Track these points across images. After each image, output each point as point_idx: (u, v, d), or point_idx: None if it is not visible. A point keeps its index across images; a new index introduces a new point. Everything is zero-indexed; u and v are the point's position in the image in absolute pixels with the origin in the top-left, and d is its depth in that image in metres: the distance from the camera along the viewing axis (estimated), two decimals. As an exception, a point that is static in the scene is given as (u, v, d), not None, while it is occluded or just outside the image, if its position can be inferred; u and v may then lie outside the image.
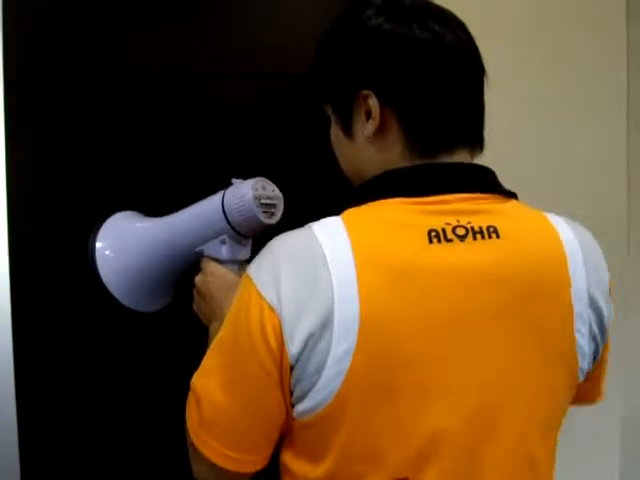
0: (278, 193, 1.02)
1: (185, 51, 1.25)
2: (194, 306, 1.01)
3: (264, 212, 0.98)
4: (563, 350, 0.78)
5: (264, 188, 1.00)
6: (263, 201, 0.98)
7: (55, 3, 1.19)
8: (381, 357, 0.71)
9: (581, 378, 0.81)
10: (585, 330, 0.78)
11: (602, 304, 0.80)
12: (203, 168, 1.27)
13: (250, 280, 0.75)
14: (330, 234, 0.74)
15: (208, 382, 0.76)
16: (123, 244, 1.07)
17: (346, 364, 0.70)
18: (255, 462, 0.78)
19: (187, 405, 0.79)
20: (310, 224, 0.77)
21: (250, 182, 0.99)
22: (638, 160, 1.41)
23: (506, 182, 0.83)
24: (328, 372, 0.71)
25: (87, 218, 1.12)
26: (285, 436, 0.79)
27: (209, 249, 1.01)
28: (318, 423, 0.73)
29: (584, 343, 0.78)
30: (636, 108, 1.40)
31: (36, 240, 1.22)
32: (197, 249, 1.01)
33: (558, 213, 0.84)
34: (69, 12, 1.20)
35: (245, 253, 1.02)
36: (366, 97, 0.80)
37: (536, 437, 0.79)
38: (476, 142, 0.83)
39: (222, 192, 1.00)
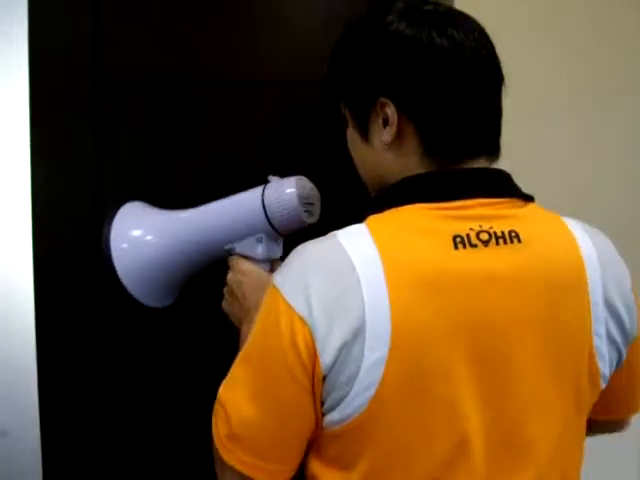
0: (317, 191, 1.00)
1: (205, 57, 1.26)
2: (224, 305, 1.01)
3: (306, 211, 0.97)
4: (583, 351, 0.79)
5: (304, 186, 0.98)
6: (305, 200, 0.97)
7: (81, 7, 1.20)
8: (412, 364, 0.72)
9: (602, 384, 0.81)
10: (603, 333, 0.79)
11: (622, 309, 0.81)
12: (227, 173, 1.27)
13: (277, 291, 0.75)
14: (356, 242, 0.74)
15: (236, 394, 0.76)
16: (142, 234, 1.04)
17: (379, 373, 0.71)
18: (285, 472, 0.78)
19: (214, 416, 0.78)
20: (334, 232, 0.78)
21: (292, 180, 0.97)
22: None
23: (525, 187, 0.83)
24: (361, 382, 0.71)
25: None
26: (313, 445, 0.79)
27: (242, 247, 0.98)
28: (350, 432, 0.74)
29: (602, 346, 0.79)
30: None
31: (60, 247, 1.22)
32: (227, 247, 0.99)
33: (576, 217, 0.85)
34: (94, 15, 1.20)
35: (278, 251, 1.00)
36: (384, 105, 0.80)
37: (561, 436, 0.80)
38: (494, 150, 0.83)
39: (260, 189, 0.98)
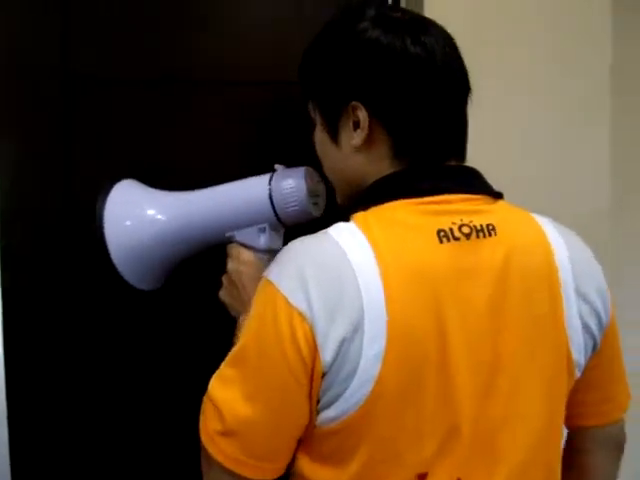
0: (323, 184, 0.98)
1: (183, 56, 1.23)
2: (221, 294, 0.99)
3: (314, 204, 0.95)
4: (559, 340, 0.81)
5: (312, 178, 0.96)
6: (312, 193, 0.94)
7: (51, 4, 1.15)
8: (408, 359, 0.72)
9: (578, 372, 0.83)
10: (575, 319, 0.81)
11: (595, 297, 0.83)
12: (201, 175, 1.21)
13: (274, 287, 0.74)
14: (349, 238, 0.75)
15: (230, 392, 0.75)
16: (144, 211, 0.99)
17: (376, 369, 0.71)
18: (275, 470, 0.77)
19: (202, 414, 0.77)
20: (325, 230, 0.78)
21: (301, 170, 0.94)
22: (621, 159, 1.44)
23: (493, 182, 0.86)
24: (359, 377, 0.71)
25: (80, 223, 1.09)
26: (302, 443, 0.78)
27: (243, 236, 0.96)
28: (344, 429, 0.74)
29: (576, 334, 0.82)
30: (620, 104, 1.42)
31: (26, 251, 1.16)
32: (228, 234, 0.96)
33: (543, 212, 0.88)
34: (64, 14, 1.16)
35: (279, 243, 0.98)
36: (355, 108, 0.81)
37: (543, 426, 0.82)
38: (461, 154, 0.85)
39: (267, 178, 0.95)
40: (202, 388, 0.79)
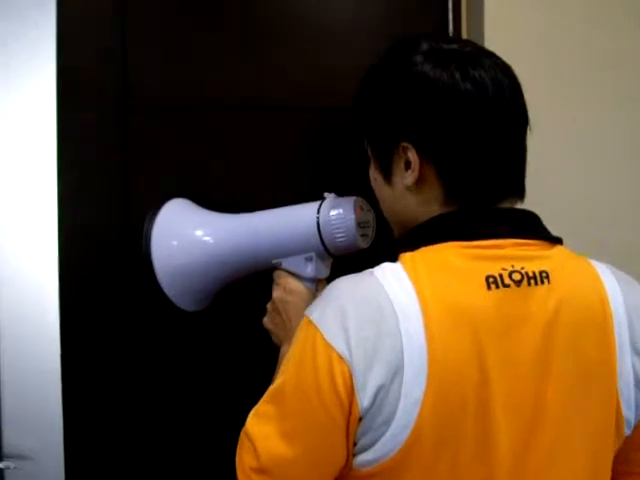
0: (373, 214, 0.96)
1: (233, 81, 1.24)
2: (266, 322, 0.98)
3: (362, 235, 0.93)
4: (609, 396, 0.77)
5: (362, 209, 0.94)
6: (361, 224, 0.93)
7: (109, 36, 1.19)
8: (446, 405, 0.70)
9: (627, 431, 0.79)
10: (629, 376, 0.77)
11: None
12: (252, 201, 1.22)
13: (314, 327, 0.73)
14: (393, 280, 0.73)
15: (267, 429, 0.74)
16: (194, 234, 0.99)
17: (414, 414, 0.69)
18: None
19: (239, 448, 0.77)
20: (370, 270, 0.76)
21: (350, 202, 0.92)
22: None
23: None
24: (397, 423, 0.70)
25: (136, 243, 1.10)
26: None
27: (290, 264, 0.95)
28: (380, 473, 0.72)
29: (627, 389, 0.77)
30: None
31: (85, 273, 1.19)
32: (274, 261, 0.95)
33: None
34: (123, 38, 1.20)
35: (326, 272, 0.97)
36: (406, 149, 0.79)
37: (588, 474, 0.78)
38: (518, 192, 0.82)
39: (315, 207, 0.94)
40: (242, 412, 0.78)
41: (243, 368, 1.20)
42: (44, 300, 1.17)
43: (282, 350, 0.93)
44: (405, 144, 0.79)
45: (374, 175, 0.87)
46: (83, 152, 1.18)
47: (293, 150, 1.25)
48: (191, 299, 1.04)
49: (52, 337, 1.16)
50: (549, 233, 0.81)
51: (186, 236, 1.00)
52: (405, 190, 0.81)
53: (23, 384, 1.16)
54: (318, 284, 0.96)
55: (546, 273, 0.75)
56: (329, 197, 0.94)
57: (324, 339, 0.71)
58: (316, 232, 0.92)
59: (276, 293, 0.97)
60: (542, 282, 0.75)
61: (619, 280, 0.80)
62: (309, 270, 0.94)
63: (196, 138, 1.23)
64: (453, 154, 0.77)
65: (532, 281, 0.74)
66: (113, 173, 1.19)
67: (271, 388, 0.76)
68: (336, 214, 0.92)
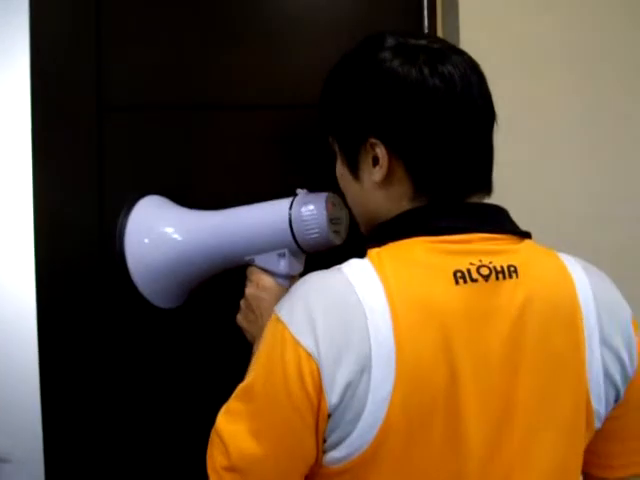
0: (346, 210, 0.95)
1: (207, 81, 1.24)
2: (239, 319, 0.98)
3: (334, 232, 0.93)
4: (578, 388, 0.77)
5: (334, 205, 0.94)
6: (333, 220, 0.93)
7: (83, 36, 1.19)
8: (415, 402, 0.70)
9: (597, 423, 0.79)
10: (598, 368, 0.77)
11: (621, 347, 0.79)
12: (231, 198, 1.22)
13: (283, 324, 0.72)
14: (362, 277, 0.73)
15: (237, 428, 0.73)
16: (159, 233, 0.99)
17: (383, 412, 0.69)
18: None
19: (210, 446, 0.76)
20: (338, 266, 0.76)
21: (322, 197, 0.92)
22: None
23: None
24: (365, 420, 0.69)
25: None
26: None
27: (263, 260, 0.94)
28: (349, 470, 0.72)
29: (597, 384, 0.77)
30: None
31: (60, 266, 1.19)
32: (247, 258, 0.95)
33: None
34: (97, 36, 1.19)
35: (300, 267, 0.96)
36: (374, 145, 0.78)
37: (559, 472, 0.78)
38: (485, 187, 0.82)
39: (287, 203, 0.93)
40: (213, 408, 0.78)
41: (217, 365, 1.20)
42: (20, 300, 1.16)
43: (255, 347, 0.91)
44: (373, 140, 0.78)
45: (341, 171, 0.86)
46: (58, 152, 1.18)
47: (268, 148, 1.25)
48: (165, 297, 1.04)
49: (29, 337, 1.16)
50: (517, 227, 0.81)
51: (157, 234, 1.00)
52: (373, 186, 0.80)
53: (0, 385, 1.16)
54: (291, 280, 0.95)
55: (514, 267, 0.75)
56: (301, 193, 0.94)
57: (292, 336, 0.71)
58: (288, 228, 0.92)
59: (249, 290, 0.96)
60: (510, 276, 0.75)
61: (589, 274, 0.80)
62: (282, 266, 0.94)
63: (171, 137, 1.23)
64: (422, 149, 0.77)
65: (500, 275, 0.74)
66: (88, 172, 1.19)
67: (241, 385, 0.76)
68: (308, 210, 0.91)
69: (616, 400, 0.80)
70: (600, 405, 0.78)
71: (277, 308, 0.75)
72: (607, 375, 0.78)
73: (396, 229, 0.78)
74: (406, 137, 0.77)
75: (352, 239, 0.96)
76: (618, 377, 0.78)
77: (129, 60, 1.22)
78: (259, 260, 0.95)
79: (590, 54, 1.31)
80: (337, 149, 0.86)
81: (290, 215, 0.92)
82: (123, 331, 1.21)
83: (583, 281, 0.79)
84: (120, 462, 1.22)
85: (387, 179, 0.79)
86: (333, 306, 0.71)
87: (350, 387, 0.69)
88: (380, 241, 0.77)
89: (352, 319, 0.70)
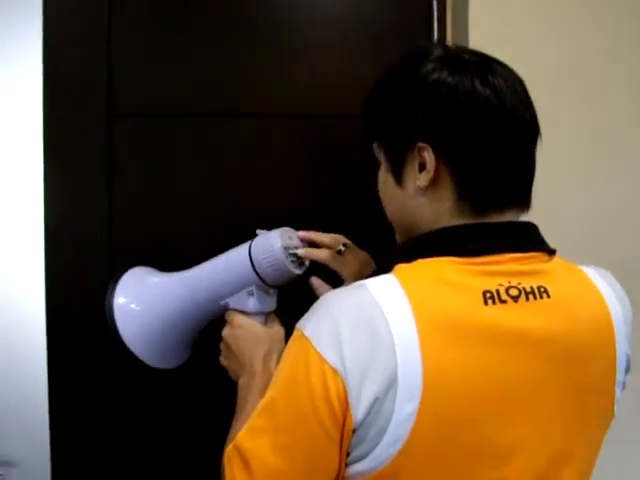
0: (303, 242, 1.02)
1: (218, 89, 1.25)
2: (221, 359, 0.99)
3: (292, 262, 0.98)
4: (605, 408, 0.79)
5: (291, 238, 1.00)
6: (291, 251, 0.98)
7: (96, 38, 1.20)
8: (440, 419, 0.70)
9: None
10: (622, 380, 0.80)
11: (628, 347, 0.81)
12: (241, 204, 1.26)
13: (307, 340, 0.72)
14: (387, 293, 0.72)
15: (259, 443, 0.73)
16: (143, 299, 1.04)
17: (408, 427, 0.69)
18: None
19: (228, 464, 0.75)
20: (364, 282, 0.75)
21: (277, 232, 0.98)
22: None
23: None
24: (390, 435, 0.69)
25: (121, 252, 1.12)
26: None
27: (235, 301, 0.99)
28: None
29: (619, 394, 0.80)
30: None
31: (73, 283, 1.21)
32: (222, 302, 0.99)
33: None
34: (110, 46, 1.21)
35: (272, 304, 1.01)
36: (422, 149, 0.79)
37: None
38: (525, 201, 0.83)
39: (248, 244, 0.99)
40: (218, 449, 0.79)
41: (219, 414, 1.13)
42: (30, 305, 1.17)
43: (240, 382, 0.93)
44: (422, 144, 0.79)
45: (384, 178, 0.87)
46: (69, 159, 1.19)
47: (280, 157, 1.26)
48: (162, 358, 1.07)
49: (38, 343, 1.17)
50: (546, 245, 0.81)
51: (141, 301, 1.04)
52: (417, 192, 0.81)
53: (9, 391, 1.16)
54: (267, 317, 1.00)
55: (544, 288, 0.76)
56: (260, 233, 1.00)
57: (317, 353, 0.70)
58: (250, 266, 0.97)
59: (225, 331, 0.99)
60: (541, 297, 0.75)
61: (610, 284, 0.82)
62: (252, 304, 0.98)
63: (181, 144, 1.24)
64: (470, 155, 0.78)
65: (530, 296, 0.75)
66: (97, 178, 1.21)
67: (262, 403, 0.75)
68: (264, 245, 0.97)
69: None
70: (617, 405, 0.80)
71: (300, 325, 0.75)
72: (623, 385, 0.80)
73: (427, 247, 0.78)
74: (456, 142, 0.78)
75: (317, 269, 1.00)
76: (624, 375, 0.81)
77: (140, 67, 1.22)
78: (232, 302, 0.99)
79: (594, 70, 1.33)
80: (382, 155, 0.86)
81: (250, 254, 0.97)
82: (128, 360, 1.18)
83: (609, 294, 0.80)
84: (125, 467, 1.23)
85: (431, 185, 0.79)
86: (358, 322, 0.71)
87: (376, 403, 0.69)
88: (410, 257, 0.77)
89: (378, 336, 0.70)
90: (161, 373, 1.16)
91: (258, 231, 1.00)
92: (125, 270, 1.08)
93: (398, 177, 0.84)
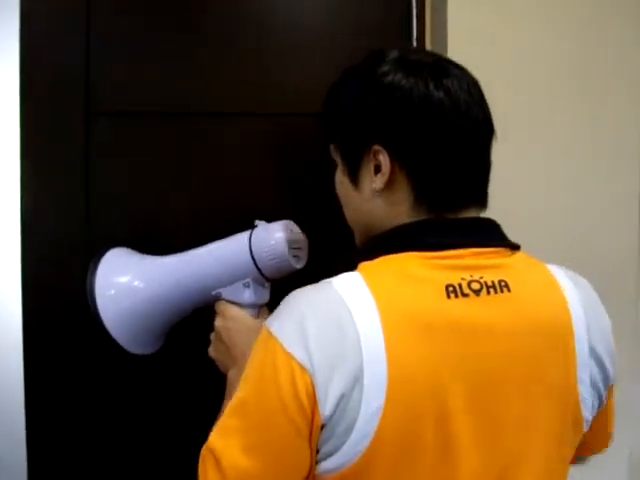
0: (304, 236, 1.00)
1: (197, 88, 1.25)
2: (210, 351, 0.99)
3: (294, 256, 0.96)
4: (568, 401, 0.79)
5: (292, 231, 0.97)
6: (293, 245, 0.96)
7: (74, 36, 1.19)
8: (407, 414, 0.71)
9: (585, 428, 0.82)
10: (587, 379, 0.80)
11: (605, 357, 0.81)
12: (220, 203, 1.26)
13: (274, 338, 0.73)
14: (352, 290, 0.73)
15: (230, 443, 0.73)
16: (127, 281, 1.01)
17: (375, 424, 0.70)
18: None
19: (202, 463, 0.75)
20: (329, 280, 0.76)
21: (279, 225, 0.96)
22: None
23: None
24: (357, 432, 0.70)
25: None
26: None
27: (229, 292, 0.97)
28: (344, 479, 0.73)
29: (586, 393, 0.80)
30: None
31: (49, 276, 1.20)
32: (214, 292, 0.97)
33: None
34: (88, 44, 1.20)
35: (266, 296, 0.99)
36: (377, 152, 0.80)
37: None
38: (482, 200, 0.84)
39: (247, 235, 0.96)
40: (201, 440, 0.78)
41: (200, 404, 1.16)
42: (7, 304, 1.16)
43: (229, 375, 0.94)
44: (377, 147, 0.80)
45: (340, 179, 0.88)
46: (46, 158, 1.19)
47: (260, 156, 1.26)
48: (144, 343, 1.05)
49: (14, 339, 1.16)
50: (508, 240, 0.83)
51: (122, 284, 1.01)
52: (373, 194, 0.82)
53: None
54: (260, 310, 0.99)
55: (505, 282, 0.77)
56: (260, 224, 0.97)
57: (284, 349, 0.71)
58: (250, 258, 0.95)
59: (217, 322, 0.98)
60: (501, 291, 0.76)
61: (577, 286, 0.82)
62: (247, 296, 0.96)
63: (159, 143, 1.24)
64: (425, 157, 0.79)
65: (492, 290, 0.76)
66: (76, 175, 1.20)
67: (232, 402, 0.75)
68: (267, 238, 0.94)
69: (599, 406, 0.83)
70: (588, 413, 0.80)
71: (268, 323, 0.76)
72: (594, 385, 0.80)
73: (389, 243, 0.79)
74: (410, 145, 0.79)
75: (314, 263, 1.00)
76: (601, 385, 0.81)
77: (118, 64, 1.22)
78: (225, 293, 0.97)
79: (580, 61, 1.34)
80: (338, 157, 0.87)
81: (251, 246, 0.95)
82: (107, 352, 1.16)
83: (573, 295, 0.81)
84: (103, 463, 1.23)
85: (387, 187, 0.81)
86: (324, 318, 0.72)
87: (343, 399, 0.70)
88: (372, 254, 0.78)
89: (344, 331, 0.71)
90: (140, 369, 1.18)
91: (257, 222, 0.98)
92: (108, 248, 1.05)
93: (354, 179, 0.85)
